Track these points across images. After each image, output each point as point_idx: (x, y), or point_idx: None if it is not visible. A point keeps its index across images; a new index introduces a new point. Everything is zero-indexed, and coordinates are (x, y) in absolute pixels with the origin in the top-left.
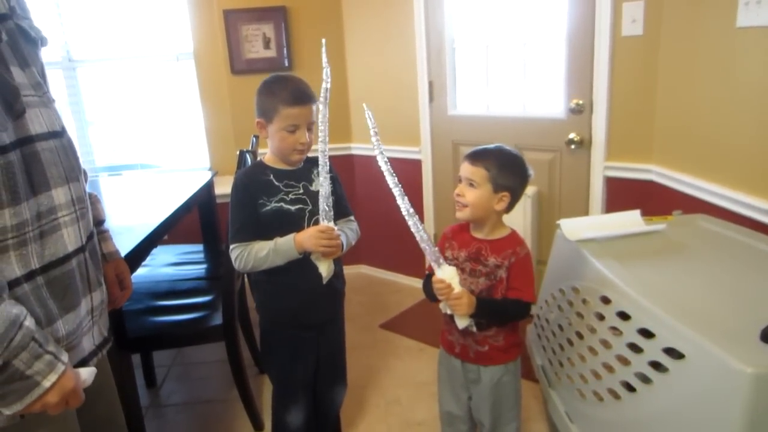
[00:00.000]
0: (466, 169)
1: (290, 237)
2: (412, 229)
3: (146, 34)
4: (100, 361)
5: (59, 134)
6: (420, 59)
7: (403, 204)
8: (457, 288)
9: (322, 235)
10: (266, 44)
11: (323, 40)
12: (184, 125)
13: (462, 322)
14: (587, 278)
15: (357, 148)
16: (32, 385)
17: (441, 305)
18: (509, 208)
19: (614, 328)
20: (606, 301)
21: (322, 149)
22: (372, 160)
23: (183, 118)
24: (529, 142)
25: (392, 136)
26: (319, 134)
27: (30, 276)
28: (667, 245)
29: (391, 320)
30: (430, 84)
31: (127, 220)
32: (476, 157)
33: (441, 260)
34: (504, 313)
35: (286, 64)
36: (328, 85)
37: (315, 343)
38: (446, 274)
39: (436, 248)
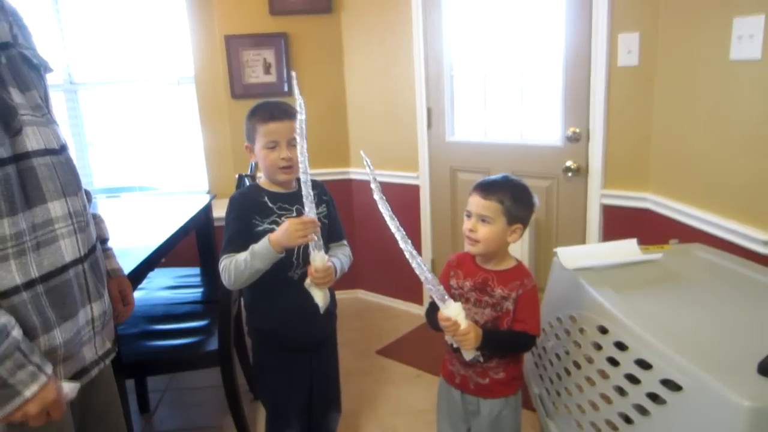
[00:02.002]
0: (478, 203)
1: (265, 238)
2: (416, 271)
3: (148, 58)
4: (107, 383)
5: (57, 152)
6: (419, 86)
7: (406, 247)
8: (464, 324)
9: (298, 225)
10: (266, 69)
11: (293, 73)
12: (184, 148)
13: (469, 354)
14: (584, 307)
15: (355, 173)
16: (13, 394)
17: (447, 337)
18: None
19: (612, 359)
20: (603, 330)
21: (304, 180)
22: (370, 184)
23: (182, 141)
24: (527, 169)
25: (390, 162)
26: (300, 166)
27: (30, 284)
28: (664, 275)
29: (387, 346)
30: (429, 110)
31: (125, 243)
32: (488, 191)
33: (446, 297)
34: (509, 345)
35: (286, 89)
36: (303, 117)
37: (308, 367)
38: (452, 311)
39: (441, 286)
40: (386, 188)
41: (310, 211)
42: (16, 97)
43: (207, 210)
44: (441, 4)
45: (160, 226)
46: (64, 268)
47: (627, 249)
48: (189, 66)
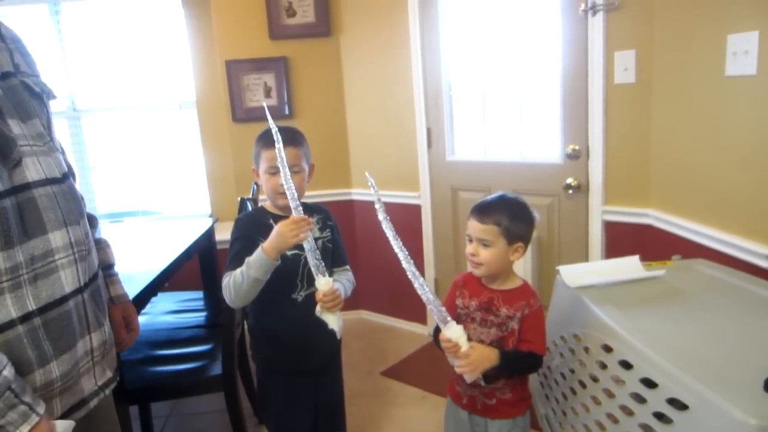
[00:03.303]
0: (476, 228)
1: (257, 251)
2: (419, 291)
3: (150, 83)
4: (107, 412)
5: (59, 180)
6: (418, 106)
7: (409, 267)
8: (465, 346)
9: (290, 225)
10: (267, 93)
11: (264, 104)
12: (186, 172)
13: (470, 377)
14: (588, 326)
15: (357, 194)
16: None
17: (449, 358)
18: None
19: (617, 378)
20: (608, 349)
21: (294, 206)
22: (372, 205)
23: (185, 166)
24: (527, 186)
25: (391, 182)
26: (287, 192)
27: (26, 317)
28: (667, 291)
29: (392, 367)
30: (429, 130)
31: (128, 268)
32: (484, 214)
33: (448, 318)
34: (517, 364)
35: (287, 113)
36: (281, 145)
37: (312, 390)
38: (453, 333)
39: (443, 308)
40: (388, 208)
41: (310, 239)
42: (15, 128)
43: (209, 233)
44: (438, 24)
45: (163, 250)
46: (64, 299)
47: (629, 266)
48: (190, 91)
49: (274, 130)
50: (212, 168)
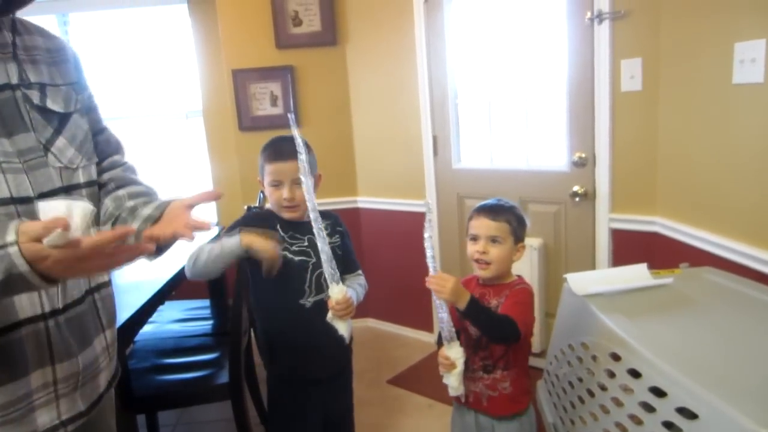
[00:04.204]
0: (488, 225)
1: (237, 236)
2: (438, 308)
3: (157, 93)
4: (107, 424)
5: (29, 200)
6: (424, 114)
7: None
8: (460, 367)
9: (266, 246)
10: (273, 102)
11: (290, 115)
12: (193, 181)
13: (455, 390)
14: (596, 334)
15: (363, 202)
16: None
17: (443, 375)
18: None
19: (626, 386)
20: (616, 358)
21: (314, 217)
22: (377, 213)
23: (191, 174)
24: (534, 194)
25: (398, 190)
26: (308, 204)
27: None
28: (675, 299)
29: (398, 375)
30: (435, 138)
31: (135, 277)
32: (496, 212)
33: (455, 338)
34: (485, 318)
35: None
36: (304, 156)
37: (322, 401)
38: (454, 353)
39: (453, 328)
40: (394, 216)
41: (324, 246)
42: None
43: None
44: (444, 32)
45: (169, 258)
46: (16, 325)
47: (637, 274)
48: (197, 100)
49: (298, 141)
50: (218, 176)
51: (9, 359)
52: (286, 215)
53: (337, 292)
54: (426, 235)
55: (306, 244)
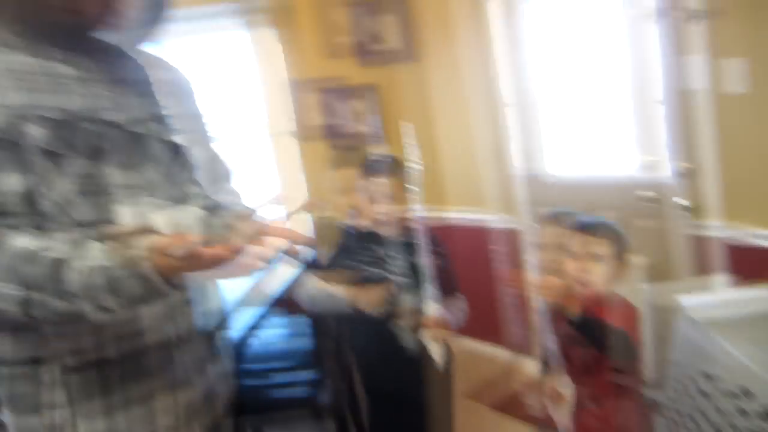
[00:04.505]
0: (588, 242)
1: (346, 291)
2: (545, 339)
3: (248, 113)
4: None
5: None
6: (507, 125)
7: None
8: (569, 400)
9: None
10: (358, 119)
11: (408, 126)
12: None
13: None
14: (721, 365)
15: (448, 216)
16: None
17: (549, 407)
18: None
19: (762, 429)
20: (748, 394)
21: (413, 233)
22: (463, 227)
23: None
24: (634, 208)
25: (483, 202)
26: (409, 217)
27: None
28: None
29: (495, 400)
30: (524, 149)
31: (241, 290)
32: (597, 228)
33: (560, 368)
34: (605, 330)
35: (379, 138)
36: (416, 167)
37: (422, 423)
38: (562, 385)
39: (558, 356)
40: (483, 232)
41: (423, 262)
42: (116, 176)
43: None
44: (524, 37)
45: (273, 272)
46: (142, 350)
47: (764, 296)
48: (282, 116)
49: (382, 159)
50: (310, 194)
51: (135, 383)
52: (377, 230)
53: (432, 311)
54: (529, 258)
55: (385, 260)
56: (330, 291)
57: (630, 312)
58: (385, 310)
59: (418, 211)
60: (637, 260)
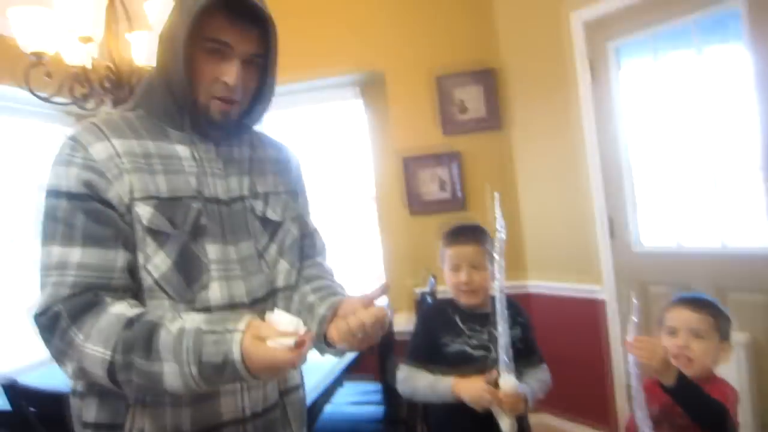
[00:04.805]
0: (689, 318)
1: (449, 380)
2: (639, 417)
3: (334, 178)
4: None
5: (242, 305)
6: (596, 193)
7: (637, 387)
8: None
9: (486, 395)
10: (441, 186)
11: (496, 194)
12: (363, 261)
13: None
14: None
15: (533, 286)
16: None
17: None
18: None
19: None
20: None
21: (499, 298)
22: (548, 297)
23: (362, 256)
24: (735, 281)
25: (572, 275)
26: (495, 284)
27: None
28: None
29: None
30: (610, 218)
31: (311, 358)
32: (699, 304)
33: None
34: (702, 399)
35: (460, 205)
36: (503, 236)
37: None
38: None
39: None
40: (565, 302)
41: (504, 331)
42: (213, 252)
43: (388, 324)
44: (613, 104)
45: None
46: (217, 427)
47: None
48: (370, 184)
49: (467, 226)
50: (388, 258)
51: None
52: (464, 300)
53: (509, 385)
54: (628, 337)
55: (485, 336)
56: (434, 385)
57: (730, 392)
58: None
59: (502, 279)
60: (739, 337)
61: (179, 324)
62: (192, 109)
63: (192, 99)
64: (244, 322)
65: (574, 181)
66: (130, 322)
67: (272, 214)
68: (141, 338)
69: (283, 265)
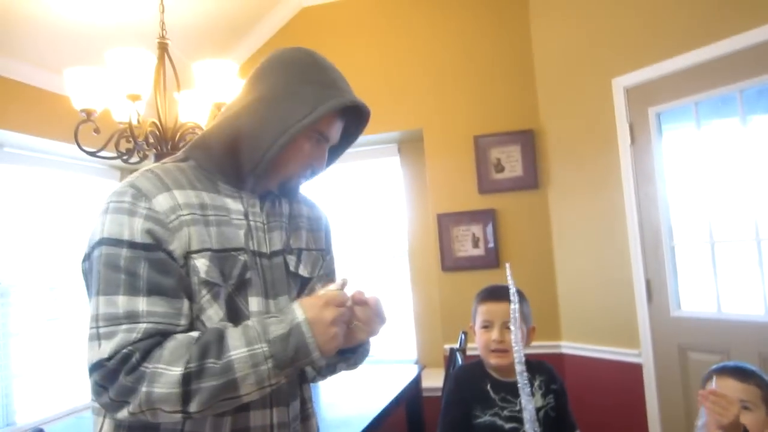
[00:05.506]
0: (735, 388)
1: None
2: None
3: (370, 234)
4: None
5: None
6: (635, 257)
7: None
8: None
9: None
10: (475, 244)
11: (507, 265)
12: (395, 318)
13: None
14: None
15: (567, 347)
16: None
17: None
18: None
19: None
20: None
21: (519, 370)
22: (583, 360)
23: (394, 311)
24: None
25: (607, 337)
26: (515, 355)
27: None
28: None
29: None
30: (648, 282)
31: (342, 411)
32: (746, 375)
33: None
34: None
35: (494, 263)
36: (516, 306)
37: None
38: None
39: None
40: (600, 365)
41: (528, 404)
42: (255, 305)
43: (417, 381)
44: (654, 167)
45: (372, 395)
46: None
47: None
48: (403, 240)
49: (512, 291)
50: (420, 314)
51: None
52: (493, 360)
53: None
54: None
55: (517, 408)
56: None
57: None
58: None
59: (521, 350)
60: None
61: (243, 323)
62: (260, 173)
63: (270, 167)
64: (297, 306)
65: (612, 243)
66: (198, 337)
67: (303, 271)
68: (213, 341)
69: None
